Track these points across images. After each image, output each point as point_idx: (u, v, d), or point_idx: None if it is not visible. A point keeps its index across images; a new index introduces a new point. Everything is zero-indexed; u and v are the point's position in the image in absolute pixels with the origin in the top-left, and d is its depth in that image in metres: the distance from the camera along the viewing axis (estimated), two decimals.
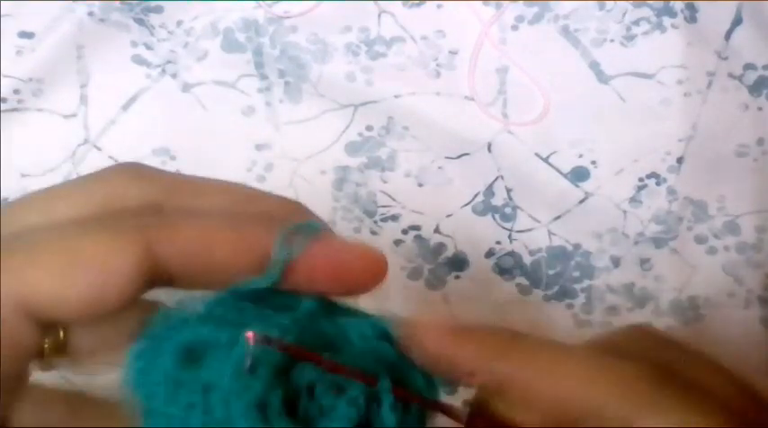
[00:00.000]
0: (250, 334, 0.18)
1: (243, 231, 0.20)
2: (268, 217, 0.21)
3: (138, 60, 0.43)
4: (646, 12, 0.43)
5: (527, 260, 0.42)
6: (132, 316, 0.21)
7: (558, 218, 0.42)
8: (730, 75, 0.42)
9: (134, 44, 0.43)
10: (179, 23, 0.43)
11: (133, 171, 0.21)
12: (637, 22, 0.43)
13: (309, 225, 0.20)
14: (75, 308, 0.18)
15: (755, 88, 0.42)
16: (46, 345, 0.21)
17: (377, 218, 0.42)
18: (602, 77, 0.43)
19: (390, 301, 0.41)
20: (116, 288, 0.18)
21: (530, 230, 0.42)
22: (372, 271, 0.20)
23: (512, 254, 0.42)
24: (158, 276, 0.19)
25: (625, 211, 0.42)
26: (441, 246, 0.42)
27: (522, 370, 0.20)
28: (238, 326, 0.19)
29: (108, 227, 0.19)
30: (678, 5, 0.43)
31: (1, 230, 0.19)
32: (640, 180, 0.42)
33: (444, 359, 0.20)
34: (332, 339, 0.20)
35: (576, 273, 0.42)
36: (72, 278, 0.18)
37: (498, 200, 0.42)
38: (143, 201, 0.20)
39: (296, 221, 0.20)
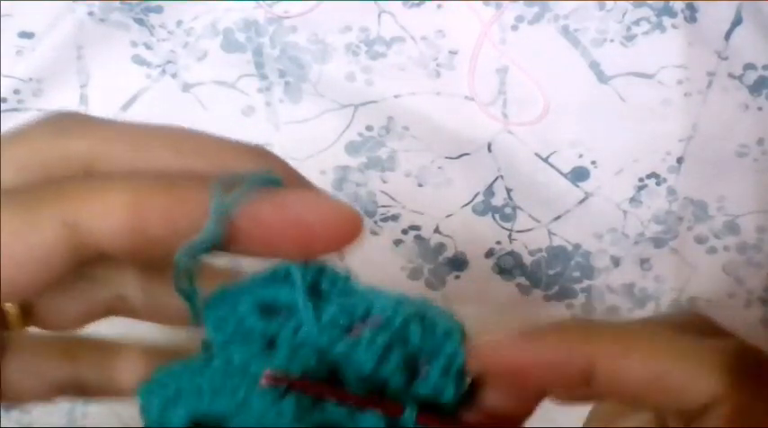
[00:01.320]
0: (266, 376, 0.17)
1: (178, 192, 0.17)
2: (216, 170, 0.18)
3: (138, 60, 0.43)
4: (646, 12, 0.43)
5: (527, 260, 0.42)
6: (96, 287, 0.20)
7: (558, 218, 0.42)
8: (730, 75, 0.42)
9: (134, 44, 0.43)
10: (179, 23, 0.43)
11: (60, 125, 0.19)
12: (637, 22, 0.43)
13: (258, 177, 0.18)
14: None
15: (755, 88, 0.42)
16: (9, 316, 0.19)
17: (377, 218, 0.42)
18: (602, 77, 0.43)
19: None
20: (34, 269, 0.17)
21: (530, 230, 0.42)
22: (341, 232, 0.18)
23: (512, 253, 0.42)
24: (92, 248, 0.17)
25: (625, 211, 0.42)
26: (441, 246, 0.42)
27: (609, 352, 0.19)
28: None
29: (23, 201, 0.17)
30: (678, 5, 0.43)
31: None
32: (640, 180, 0.42)
33: (526, 368, 0.19)
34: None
35: (576, 273, 0.42)
36: None
37: (498, 200, 0.42)
38: (70, 162, 0.18)
39: (250, 172, 0.18)
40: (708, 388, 0.18)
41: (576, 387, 0.19)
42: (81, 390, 0.21)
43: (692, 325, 0.22)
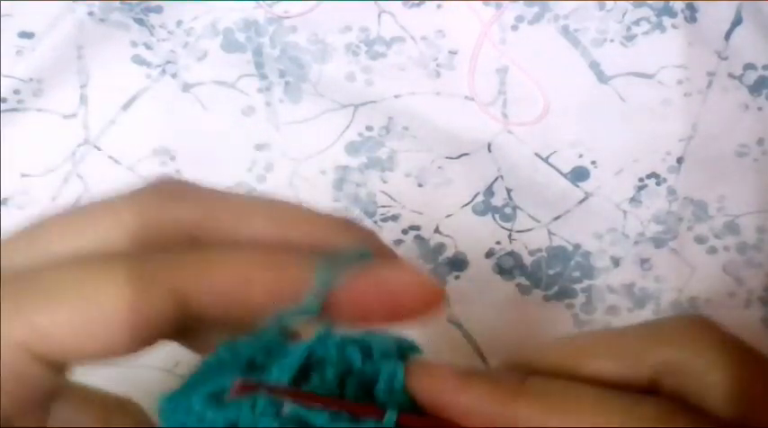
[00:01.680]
0: (237, 383, 0.18)
1: (283, 269, 0.18)
2: (312, 244, 0.19)
3: (138, 60, 0.43)
4: (646, 12, 0.43)
5: (527, 260, 0.42)
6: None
7: (558, 218, 0.42)
8: (730, 75, 0.42)
9: (134, 44, 0.43)
10: (179, 23, 0.43)
11: (171, 191, 0.19)
12: (637, 22, 0.43)
13: (354, 253, 0.19)
14: (90, 355, 0.17)
15: (755, 88, 0.42)
16: None
17: (377, 218, 0.42)
18: (602, 77, 0.43)
19: None
20: (138, 336, 0.17)
21: (530, 230, 0.42)
22: (425, 303, 0.19)
23: (512, 253, 0.42)
24: (188, 317, 0.18)
25: (625, 211, 0.42)
26: (441, 246, 0.42)
27: (534, 410, 0.20)
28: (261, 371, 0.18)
29: (135, 267, 0.17)
30: (678, 5, 0.43)
31: (15, 259, 0.18)
32: (640, 180, 0.42)
33: (453, 404, 0.20)
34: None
35: (576, 273, 0.42)
36: (88, 328, 0.17)
37: (498, 200, 0.42)
38: (177, 229, 0.19)
39: (344, 245, 0.19)
40: None
41: None
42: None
43: (684, 332, 0.22)
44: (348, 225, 0.20)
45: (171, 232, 0.18)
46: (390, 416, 0.19)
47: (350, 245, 0.19)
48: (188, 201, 0.19)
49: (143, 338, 0.17)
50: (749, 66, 0.42)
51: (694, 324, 0.22)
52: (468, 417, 0.20)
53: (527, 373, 0.21)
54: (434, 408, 0.20)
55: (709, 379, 0.20)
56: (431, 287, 0.19)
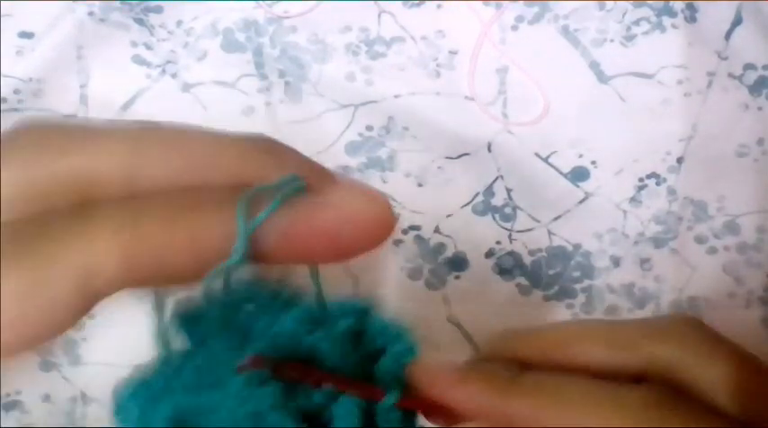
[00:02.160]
0: (248, 359, 0.17)
1: (199, 220, 0.16)
2: (224, 177, 0.17)
3: (138, 60, 0.43)
4: (646, 12, 0.43)
5: (527, 260, 0.42)
6: None
7: (558, 218, 0.42)
8: (730, 75, 0.42)
9: (134, 44, 0.43)
10: (179, 23, 0.43)
11: (39, 141, 0.16)
12: (637, 22, 0.43)
13: (283, 183, 0.17)
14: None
15: (755, 88, 0.42)
16: None
17: None
18: (602, 77, 0.43)
19: (390, 302, 0.41)
20: (44, 326, 0.15)
21: (530, 230, 0.42)
22: (375, 231, 0.17)
23: (512, 253, 0.42)
24: (109, 292, 0.16)
25: (625, 211, 0.42)
26: (441, 246, 0.42)
27: (522, 412, 0.20)
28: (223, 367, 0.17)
29: (28, 254, 0.15)
30: (678, 5, 0.43)
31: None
32: (640, 180, 0.42)
33: (453, 399, 0.20)
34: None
35: (576, 273, 0.42)
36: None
37: (498, 200, 0.42)
38: (60, 186, 0.16)
39: (269, 175, 0.17)
40: None
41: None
42: None
43: (677, 328, 0.22)
44: (270, 148, 0.18)
45: (53, 191, 0.16)
46: (391, 397, 0.19)
47: (276, 174, 0.17)
48: (66, 149, 0.16)
49: (49, 328, 0.15)
50: (749, 66, 0.42)
51: (687, 321, 0.23)
52: (465, 411, 0.20)
53: (519, 361, 0.22)
54: (429, 403, 0.20)
55: (703, 373, 0.21)
56: (379, 210, 0.17)
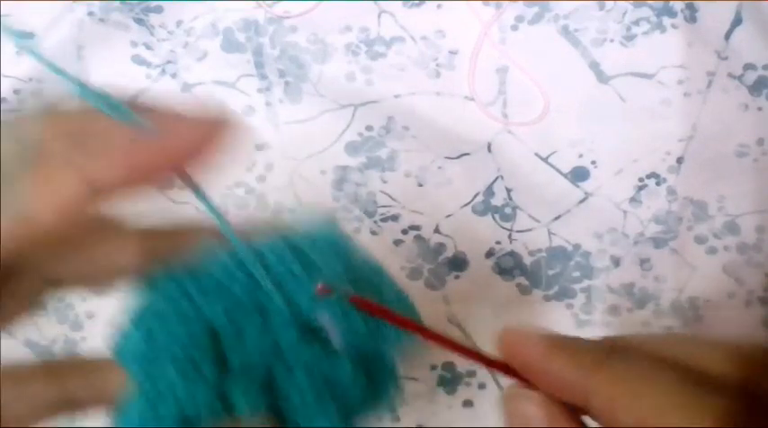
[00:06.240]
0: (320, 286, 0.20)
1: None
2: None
3: (138, 60, 0.43)
4: (646, 12, 0.43)
5: (527, 260, 0.42)
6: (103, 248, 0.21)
7: (558, 218, 0.42)
8: (730, 75, 0.42)
9: (134, 44, 0.43)
10: (179, 23, 0.43)
11: None
12: (637, 22, 0.43)
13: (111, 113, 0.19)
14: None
15: (755, 88, 0.42)
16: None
17: (377, 218, 0.42)
18: (602, 77, 0.43)
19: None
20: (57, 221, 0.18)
21: (530, 230, 0.42)
22: (208, 141, 0.19)
23: (512, 254, 0.42)
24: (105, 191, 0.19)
25: (625, 211, 0.42)
26: (441, 246, 0.42)
27: (607, 389, 0.20)
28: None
29: (47, 161, 0.19)
30: (678, 5, 0.43)
31: None
32: (640, 180, 0.42)
33: (536, 369, 0.21)
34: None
35: (576, 273, 0.42)
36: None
37: (498, 200, 0.42)
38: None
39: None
40: None
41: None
42: (73, 407, 0.22)
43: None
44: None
45: None
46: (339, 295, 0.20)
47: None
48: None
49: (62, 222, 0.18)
50: (749, 67, 0.42)
51: None
52: (550, 383, 0.21)
53: (615, 347, 0.21)
54: (523, 371, 0.21)
55: None
56: (204, 123, 0.19)
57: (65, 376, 0.22)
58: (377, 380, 0.22)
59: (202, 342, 0.19)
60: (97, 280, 0.21)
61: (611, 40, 0.43)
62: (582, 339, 0.22)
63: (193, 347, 0.19)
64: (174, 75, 0.43)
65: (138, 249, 0.22)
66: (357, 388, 0.21)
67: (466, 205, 0.42)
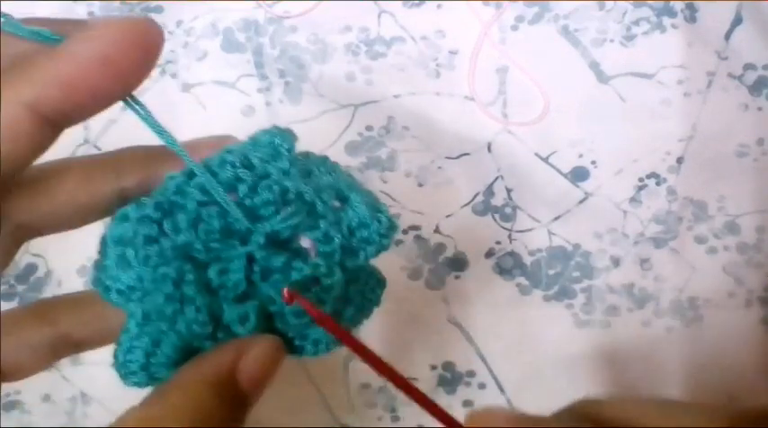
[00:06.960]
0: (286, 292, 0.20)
1: None
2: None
3: None
4: (646, 12, 0.43)
5: (527, 260, 0.42)
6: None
7: (558, 218, 0.42)
8: (730, 75, 0.42)
9: None
10: (179, 23, 0.43)
11: None
12: (637, 22, 0.43)
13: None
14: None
15: (755, 88, 0.42)
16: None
17: None
18: (602, 77, 0.43)
19: (390, 302, 0.41)
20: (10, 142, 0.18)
21: (530, 230, 0.42)
22: (138, 49, 0.18)
23: (512, 254, 0.42)
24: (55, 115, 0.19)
25: (625, 211, 0.42)
26: (441, 246, 0.42)
27: None
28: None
29: None
30: (678, 5, 0.43)
31: None
32: (640, 180, 0.42)
33: None
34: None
35: (576, 273, 0.42)
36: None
37: (498, 200, 0.42)
38: None
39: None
40: None
41: None
42: (73, 348, 0.22)
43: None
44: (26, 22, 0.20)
45: None
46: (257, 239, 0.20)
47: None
48: None
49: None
50: (749, 67, 0.42)
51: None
52: None
53: (594, 423, 0.21)
54: None
55: None
56: (131, 33, 0.18)
57: (56, 316, 0.22)
58: (359, 280, 0.22)
59: (179, 266, 0.19)
60: (65, 219, 0.21)
61: (611, 40, 0.43)
62: (548, 418, 0.22)
63: (171, 270, 0.19)
64: (174, 75, 0.43)
65: (101, 183, 0.21)
66: (339, 288, 0.21)
67: (466, 205, 0.42)
